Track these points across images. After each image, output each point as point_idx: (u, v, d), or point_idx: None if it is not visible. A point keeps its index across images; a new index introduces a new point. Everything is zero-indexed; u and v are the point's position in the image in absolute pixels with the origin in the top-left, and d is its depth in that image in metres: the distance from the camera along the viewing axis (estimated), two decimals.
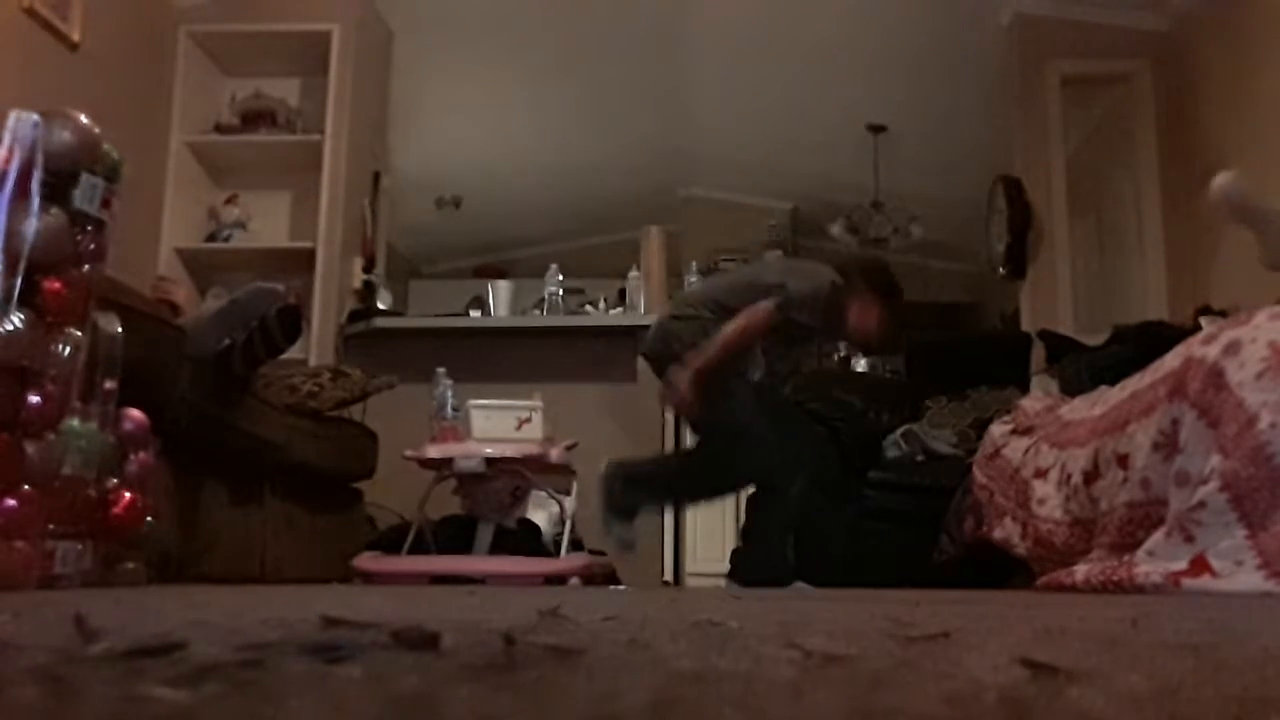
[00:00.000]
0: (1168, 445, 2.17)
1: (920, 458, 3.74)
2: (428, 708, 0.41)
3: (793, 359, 3.63)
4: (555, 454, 3.56)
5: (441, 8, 5.41)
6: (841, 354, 6.32)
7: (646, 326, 4.41)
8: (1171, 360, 2.29)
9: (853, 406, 3.90)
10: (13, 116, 2.06)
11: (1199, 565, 1.96)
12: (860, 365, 6.31)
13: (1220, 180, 2.80)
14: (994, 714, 0.42)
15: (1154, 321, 4.05)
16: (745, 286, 3.38)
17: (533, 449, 3.53)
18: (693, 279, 5.48)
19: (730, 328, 3.22)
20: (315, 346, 4.59)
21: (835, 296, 3.27)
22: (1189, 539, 2.00)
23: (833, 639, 0.76)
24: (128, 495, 2.26)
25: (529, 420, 3.63)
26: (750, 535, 3.44)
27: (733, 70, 6.18)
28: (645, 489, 3.48)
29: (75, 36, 4.07)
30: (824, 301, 3.25)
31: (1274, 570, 1.87)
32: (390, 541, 3.70)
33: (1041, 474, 2.79)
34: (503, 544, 3.64)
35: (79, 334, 2.13)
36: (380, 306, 4.90)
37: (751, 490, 3.47)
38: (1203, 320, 3.33)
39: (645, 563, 4.15)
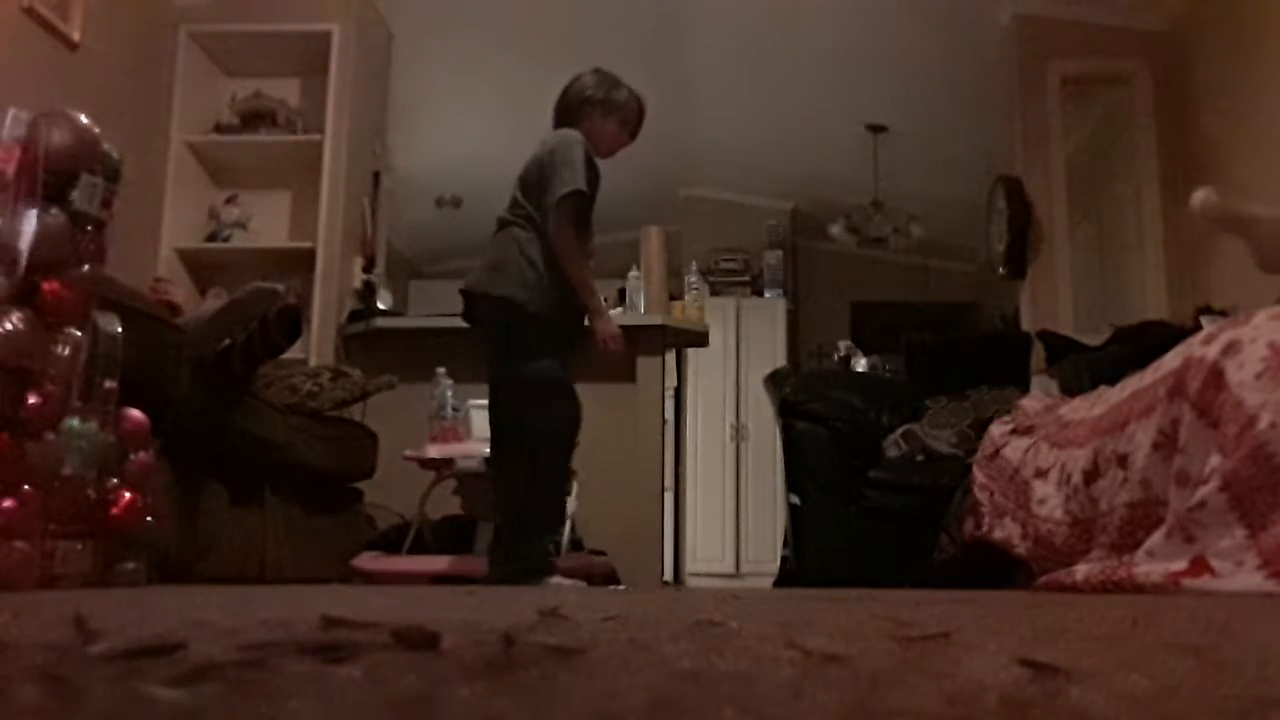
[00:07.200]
0: (1168, 445, 2.17)
1: (920, 458, 3.73)
2: (428, 708, 0.41)
3: None
4: None
5: (442, 8, 5.41)
6: None
7: (646, 327, 4.42)
8: (1171, 360, 2.28)
9: (853, 406, 3.89)
10: (11, 115, 2.06)
11: (1199, 565, 1.96)
12: (860, 365, 6.31)
13: (1197, 197, 2.80)
14: (994, 714, 0.42)
15: (1154, 321, 4.05)
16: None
17: None
18: (693, 279, 5.49)
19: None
20: (315, 346, 4.59)
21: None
22: (1189, 539, 1.99)
23: (833, 639, 0.76)
24: (128, 495, 2.26)
25: None
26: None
27: (733, 70, 6.18)
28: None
29: (75, 36, 4.07)
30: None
31: (1274, 570, 1.87)
32: (390, 541, 3.70)
33: (1041, 474, 2.79)
34: None
35: (79, 334, 2.13)
36: (380, 306, 4.90)
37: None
38: (1203, 320, 3.33)
39: (645, 563, 4.15)
